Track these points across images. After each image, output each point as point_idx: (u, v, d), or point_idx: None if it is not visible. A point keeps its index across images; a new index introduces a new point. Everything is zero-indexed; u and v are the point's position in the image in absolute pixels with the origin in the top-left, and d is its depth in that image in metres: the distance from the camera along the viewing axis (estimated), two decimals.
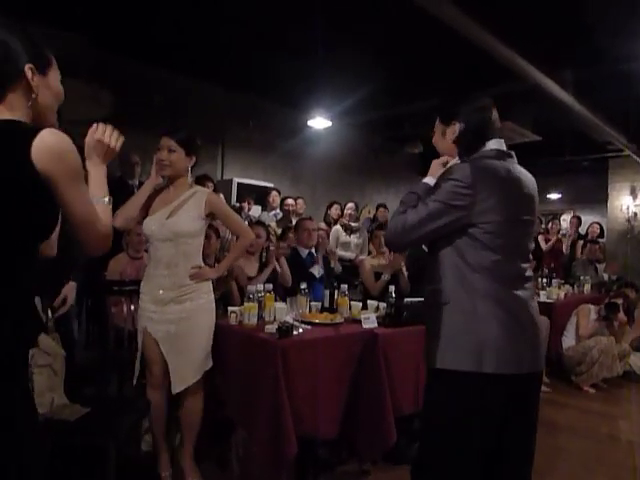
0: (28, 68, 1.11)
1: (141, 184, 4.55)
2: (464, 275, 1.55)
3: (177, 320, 2.29)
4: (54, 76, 1.20)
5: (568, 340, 4.78)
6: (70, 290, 2.22)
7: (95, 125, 1.32)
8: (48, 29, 4.04)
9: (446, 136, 1.74)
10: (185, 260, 2.31)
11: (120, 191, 4.17)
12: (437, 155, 1.80)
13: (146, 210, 2.39)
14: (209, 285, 2.42)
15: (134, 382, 2.46)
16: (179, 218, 2.29)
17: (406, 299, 2.81)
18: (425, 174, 1.81)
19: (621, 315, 4.80)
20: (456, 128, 1.71)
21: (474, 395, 1.49)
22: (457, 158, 1.74)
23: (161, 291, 2.29)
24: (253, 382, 2.25)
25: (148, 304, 2.35)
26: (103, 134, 1.31)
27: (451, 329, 1.54)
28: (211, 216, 2.41)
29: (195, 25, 4.25)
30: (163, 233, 2.28)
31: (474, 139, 1.70)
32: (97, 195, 1.25)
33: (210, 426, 2.50)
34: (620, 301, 4.81)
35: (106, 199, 1.27)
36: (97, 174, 1.31)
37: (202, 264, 2.40)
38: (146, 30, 4.36)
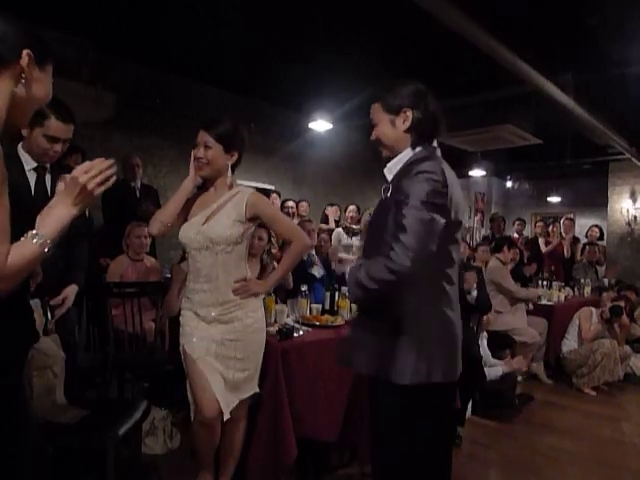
0: (26, 54, 1.03)
1: (143, 186, 4.61)
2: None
3: (221, 341, 2.04)
4: (49, 74, 1.12)
5: (570, 343, 4.78)
6: (71, 292, 2.21)
7: (87, 163, 1.12)
8: (49, 31, 4.06)
9: (396, 125, 1.57)
10: (225, 272, 2.03)
11: (122, 193, 4.22)
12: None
13: (185, 215, 2.11)
14: (258, 301, 2.16)
15: (192, 417, 2.11)
16: (215, 223, 2.02)
17: None
18: None
19: (624, 318, 4.80)
20: (409, 115, 1.56)
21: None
22: (409, 149, 1.59)
23: (204, 309, 2.05)
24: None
25: (189, 320, 2.09)
26: (83, 173, 1.10)
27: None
28: (255, 219, 2.09)
29: (198, 28, 4.25)
30: (198, 241, 2.02)
31: (432, 127, 1.59)
32: (33, 231, 1.04)
33: None
34: (622, 304, 4.81)
35: (37, 240, 1.03)
36: (56, 214, 1.09)
37: (248, 275, 2.12)
38: (149, 32, 4.37)
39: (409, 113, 1.56)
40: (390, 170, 1.61)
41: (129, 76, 5.13)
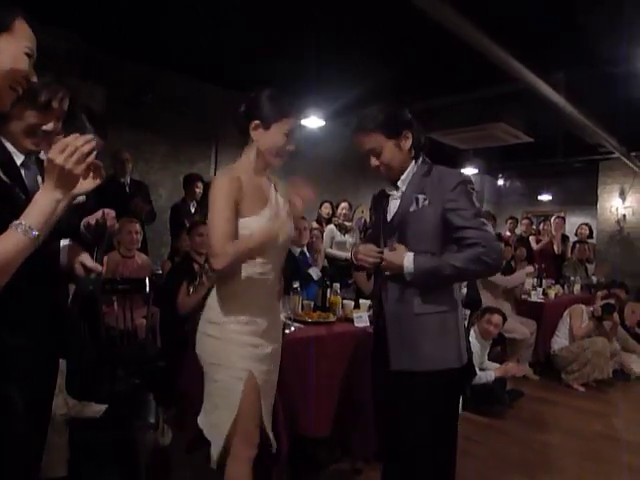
0: None
1: (133, 182, 4.58)
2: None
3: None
4: (18, 36, 1.03)
5: (560, 340, 4.82)
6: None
7: (61, 142, 1.04)
8: (38, 25, 4.02)
9: (402, 148, 1.72)
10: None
11: (111, 189, 4.19)
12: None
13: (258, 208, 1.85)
14: None
15: (215, 456, 1.72)
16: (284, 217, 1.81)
17: None
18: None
19: (615, 315, 4.85)
20: (409, 136, 1.72)
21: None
22: (412, 163, 1.76)
23: (277, 324, 1.85)
24: None
25: (250, 337, 1.69)
26: (59, 153, 1.02)
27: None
28: None
29: (192, 24, 4.23)
30: (289, 235, 1.78)
31: (423, 138, 1.77)
32: (16, 221, 0.99)
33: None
34: (613, 302, 4.85)
35: (20, 228, 0.98)
36: (39, 200, 1.03)
37: None
38: (141, 27, 4.34)
39: (409, 134, 1.72)
40: (403, 182, 1.76)
41: (121, 71, 5.10)
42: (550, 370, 4.84)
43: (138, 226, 3.53)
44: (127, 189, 4.42)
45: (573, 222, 9.27)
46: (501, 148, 6.63)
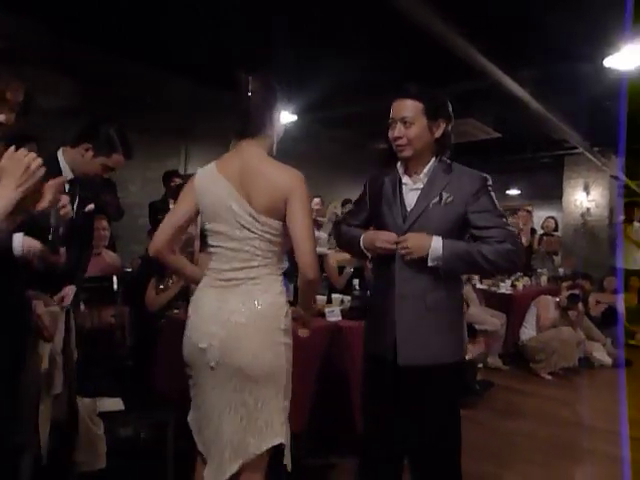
0: None
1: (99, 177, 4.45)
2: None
3: None
4: None
5: (528, 331, 4.95)
6: (70, 291, 2.14)
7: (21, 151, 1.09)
8: (2, 14, 3.88)
9: (433, 132, 1.67)
10: None
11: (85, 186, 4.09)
12: (399, 150, 1.71)
13: None
14: None
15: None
16: None
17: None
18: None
19: (580, 305, 5.00)
20: (442, 126, 1.67)
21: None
22: (434, 159, 1.71)
23: None
24: None
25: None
26: (23, 156, 1.08)
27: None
28: None
29: (161, 16, 4.14)
30: None
31: (451, 139, 1.73)
32: None
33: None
34: (578, 292, 5.00)
35: None
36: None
37: None
38: (110, 18, 4.22)
39: (443, 124, 1.68)
40: (426, 175, 1.71)
41: (90, 63, 4.95)
42: (519, 360, 4.96)
43: (105, 222, 3.44)
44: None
45: (540, 216, 9.49)
46: (470, 144, 6.73)
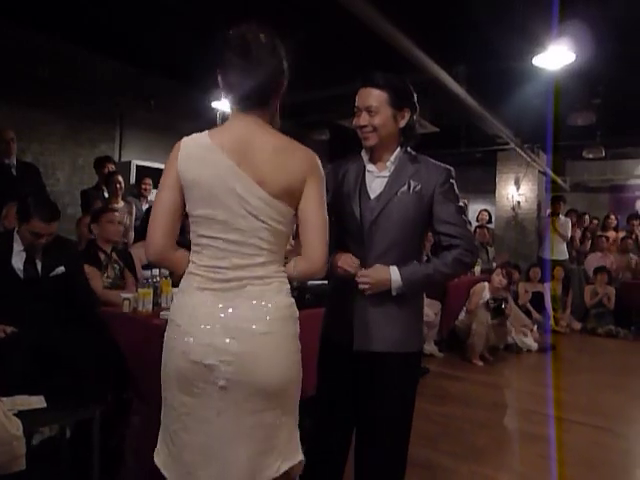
0: None
1: (20, 163, 4.19)
2: None
3: None
4: None
5: (462, 315, 5.22)
6: None
7: None
8: None
9: (398, 121, 1.67)
10: None
11: None
12: (353, 141, 1.73)
13: None
14: None
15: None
16: None
17: (309, 282, 2.84)
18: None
19: (509, 308, 5.24)
20: (406, 116, 1.67)
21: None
22: (399, 148, 1.72)
23: None
24: (153, 370, 2.15)
25: None
26: None
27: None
28: None
29: None
30: None
31: (416, 130, 1.73)
32: None
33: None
34: (503, 306, 5.13)
35: None
36: None
37: None
38: None
39: (407, 114, 1.67)
40: (392, 163, 1.70)
41: (6, 40, 4.61)
42: (454, 347, 5.17)
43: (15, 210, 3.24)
44: (13, 171, 4.04)
45: (475, 209, 9.89)
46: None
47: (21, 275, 2.33)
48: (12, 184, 3.82)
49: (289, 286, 1.36)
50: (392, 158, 1.71)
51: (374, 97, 1.64)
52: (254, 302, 1.27)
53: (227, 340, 1.24)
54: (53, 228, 2.33)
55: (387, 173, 1.70)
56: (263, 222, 1.27)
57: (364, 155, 1.76)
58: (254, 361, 1.25)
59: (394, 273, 1.61)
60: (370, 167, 1.73)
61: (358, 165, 1.76)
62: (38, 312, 2.28)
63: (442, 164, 1.72)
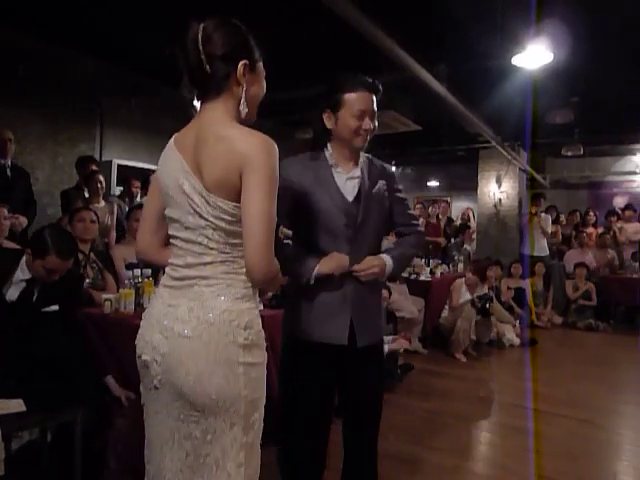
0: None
1: (14, 167, 4.12)
2: None
3: None
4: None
5: (445, 312, 5.26)
6: None
7: None
8: None
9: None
10: None
11: None
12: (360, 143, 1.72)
13: None
14: None
15: None
16: None
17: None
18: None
19: (492, 307, 5.31)
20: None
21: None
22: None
23: None
24: (134, 372, 2.13)
25: None
26: None
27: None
28: None
29: None
30: None
31: None
32: None
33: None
34: (487, 305, 5.20)
35: None
36: None
37: None
38: None
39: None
40: (364, 164, 1.77)
41: None
42: (437, 343, 5.22)
43: (6, 211, 3.19)
44: (8, 173, 3.98)
45: (457, 206, 10.02)
46: (393, 136, 6.91)
47: (9, 303, 2.19)
48: (6, 185, 3.77)
49: (245, 291, 1.24)
50: (362, 160, 1.77)
51: (375, 103, 1.71)
52: (192, 303, 1.21)
53: (160, 338, 1.22)
54: (69, 264, 2.22)
55: (357, 174, 1.72)
56: (206, 220, 1.20)
57: (329, 156, 1.72)
58: (176, 364, 1.19)
59: (387, 259, 1.74)
60: (338, 168, 1.72)
61: (322, 165, 1.72)
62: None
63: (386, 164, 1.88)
